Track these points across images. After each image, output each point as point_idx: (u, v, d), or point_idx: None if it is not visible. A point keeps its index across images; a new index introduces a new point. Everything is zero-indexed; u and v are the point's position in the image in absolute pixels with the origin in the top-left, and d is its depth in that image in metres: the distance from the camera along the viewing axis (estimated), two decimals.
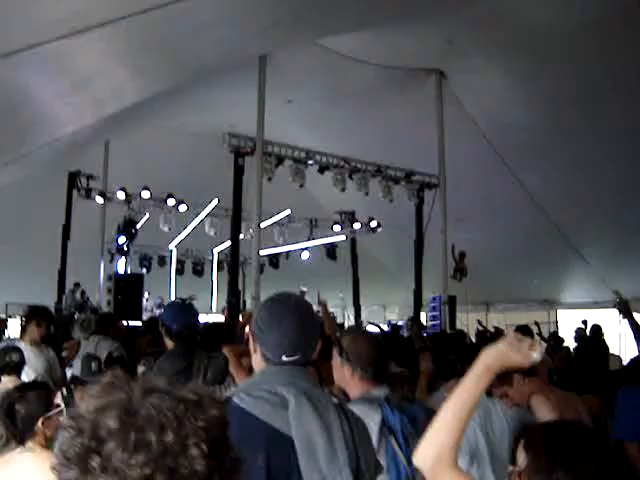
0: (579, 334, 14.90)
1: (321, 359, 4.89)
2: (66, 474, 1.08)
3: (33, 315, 7.21)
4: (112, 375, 1.21)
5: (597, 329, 13.18)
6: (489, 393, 4.26)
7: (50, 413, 3.54)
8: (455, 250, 17.79)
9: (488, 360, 2.17)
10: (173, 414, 1.10)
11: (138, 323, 16.75)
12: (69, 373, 7.09)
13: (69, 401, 4.63)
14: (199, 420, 1.12)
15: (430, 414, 3.66)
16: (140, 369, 4.97)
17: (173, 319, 4.70)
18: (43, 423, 3.49)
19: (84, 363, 5.44)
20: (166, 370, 4.28)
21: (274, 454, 2.21)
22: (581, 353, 10.68)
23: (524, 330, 11.74)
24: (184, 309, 5.09)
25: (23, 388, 4.02)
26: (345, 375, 3.53)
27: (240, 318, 6.47)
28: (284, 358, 2.43)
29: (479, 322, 16.63)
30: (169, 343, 4.71)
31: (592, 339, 12.86)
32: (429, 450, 2.13)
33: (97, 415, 1.09)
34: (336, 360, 3.59)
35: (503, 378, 4.08)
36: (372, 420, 3.26)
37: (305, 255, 24.29)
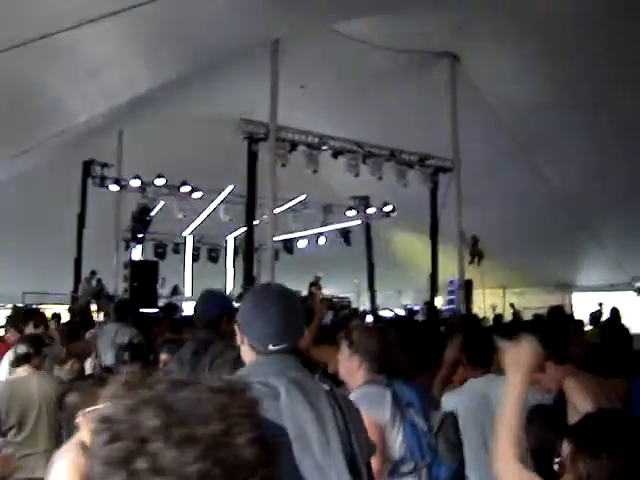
0: (595, 317, 14.88)
1: (314, 343, 4.95)
2: None
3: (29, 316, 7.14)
4: (128, 372, 1.19)
5: (616, 311, 13.09)
6: None
7: (90, 409, 3.51)
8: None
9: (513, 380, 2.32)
10: (212, 404, 1.09)
11: (154, 310, 16.86)
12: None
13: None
14: (238, 407, 1.10)
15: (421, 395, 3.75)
16: (163, 356, 4.92)
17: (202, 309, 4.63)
18: (84, 417, 3.43)
19: (117, 354, 5.40)
20: (180, 359, 4.25)
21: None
22: (603, 336, 10.59)
23: (557, 311, 11.75)
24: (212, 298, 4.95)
25: (78, 378, 4.01)
26: (353, 367, 3.64)
27: None
28: (271, 347, 2.42)
29: (493, 308, 16.61)
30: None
31: (613, 321, 12.77)
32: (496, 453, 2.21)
33: (131, 415, 1.06)
34: (344, 352, 3.69)
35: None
36: (381, 396, 3.45)
37: (322, 240, 24.25)
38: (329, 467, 2.19)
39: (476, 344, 5.32)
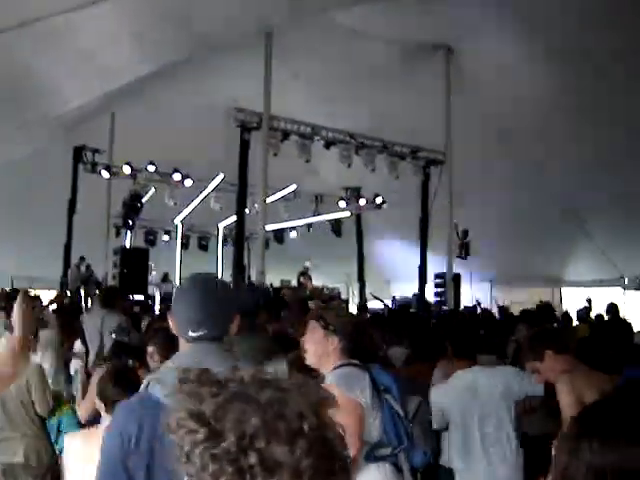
0: (583, 313, 14.93)
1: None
2: (222, 477, 1.04)
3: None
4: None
5: (614, 306, 13.13)
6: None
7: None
8: (459, 228, 17.81)
9: None
10: (306, 400, 1.11)
11: (142, 297, 16.86)
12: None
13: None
14: (323, 403, 1.13)
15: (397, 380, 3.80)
16: (149, 349, 4.87)
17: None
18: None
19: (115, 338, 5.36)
20: None
21: None
22: (600, 330, 10.62)
23: (546, 308, 11.81)
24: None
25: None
26: (327, 348, 3.66)
27: None
28: (191, 333, 2.44)
29: (478, 302, 16.64)
30: None
31: (612, 317, 12.80)
32: None
33: (228, 413, 1.07)
34: (318, 333, 3.69)
35: (535, 353, 4.16)
36: (361, 378, 3.51)
37: (312, 230, 24.24)
38: None
39: (463, 337, 5.38)
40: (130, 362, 4.79)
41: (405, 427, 3.56)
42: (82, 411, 5.24)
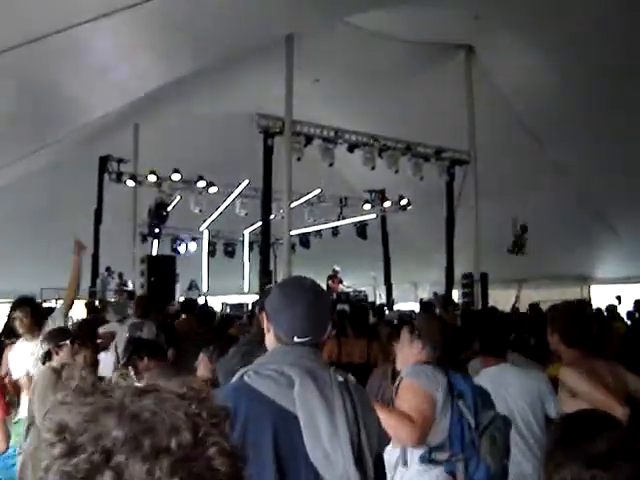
0: (611, 311, 14.78)
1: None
2: None
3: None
4: (80, 377, 1.11)
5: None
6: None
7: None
8: (517, 223, 17.73)
9: None
10: (182, 413, 1.00)
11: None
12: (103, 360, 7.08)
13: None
14: (208, 416, 1.03)
15: (477, 391, 3.74)
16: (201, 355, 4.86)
17: None
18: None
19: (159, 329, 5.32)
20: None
21: (280, 430, 2.30)
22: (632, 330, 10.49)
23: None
24: None
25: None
26: (413, 352, 3.74)
27: None
28: (295, 339, 2.50)
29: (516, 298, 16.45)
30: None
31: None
32: None
33: (91, 424, 0.96)
34: (405, 337, 3.81)
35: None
36: (439, 382, 3.53)
37: (338, 234, 24.17)
38: (336, 457, 2.25)
39: (491, 335, 5.29)
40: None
41: (472, 437, 3.50)
42: None
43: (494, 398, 4.18)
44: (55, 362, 5.18)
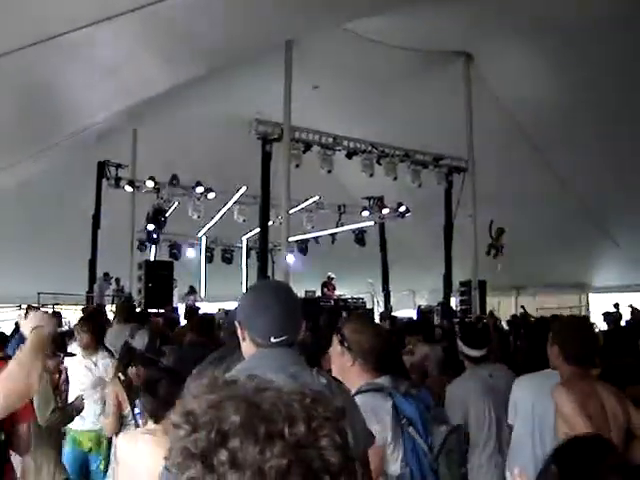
0: (614, 319, 14.78)
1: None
2: (188, 472, 1.02)
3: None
4: (211, 375, 1.19)
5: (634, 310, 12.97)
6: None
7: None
8: (493, 226, 17.71)
9: None
10: (300, 405, 1.08)
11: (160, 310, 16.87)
12: None
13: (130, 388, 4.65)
14: (324, 411, 1.09)
15: (437, 401, 3.67)
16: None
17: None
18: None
19: (150, 338, 5.31)
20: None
21: None
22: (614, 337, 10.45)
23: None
24: None
25: (165, 369, 4.11)
26: (345, 365, 3.46)
27: None
28: (272, 340, 2.51)
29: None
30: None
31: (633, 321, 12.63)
32: None
33: (215, 411, 1.05)
34: (336, 349, 3.51)
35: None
36: (383, 409, 3.27)
37: (336, 240, 24.12)
38: None
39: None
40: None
41: (430, 463, 3.33)
42: (108, 427, 5.27)
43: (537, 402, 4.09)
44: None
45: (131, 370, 4.99)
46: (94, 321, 6.62)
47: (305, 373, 2.46)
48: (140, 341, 7.44)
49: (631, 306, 15.93)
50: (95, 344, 6.23)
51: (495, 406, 4.96)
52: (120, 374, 5.10)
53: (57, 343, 5.82)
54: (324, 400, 1.13)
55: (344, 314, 14.05)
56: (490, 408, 5.05)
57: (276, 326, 2.53)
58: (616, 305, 17.77)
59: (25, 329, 2.93)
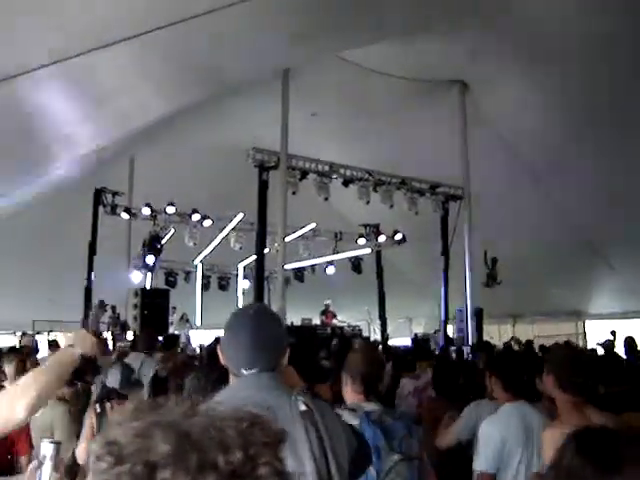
0: (607, 346, 14.70)
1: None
2: None
3: None
4: (137, 400, 1.11)
5: (630, 340, 12.88)
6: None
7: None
8: (488, 256, 17.72)
9: None
10: (235, 431, 0.99)
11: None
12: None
13: (102, 419, 4.60)
14: (262, 436, 1.02)
15: (412, 430, 3.68)
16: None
17: None
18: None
19: (123, 374, 5.28)
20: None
21: None
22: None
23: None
24: None
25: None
26: (344, 386, 3.81)
27: None
28: (244, 372, 2.48)
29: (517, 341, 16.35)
30: None
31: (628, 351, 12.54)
32: None
33: (142, 440, 0.95)
34: (343, 373, 3.85)
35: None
36: None
37: (331, 270, 24.07)
38: None
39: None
40: None
41: None
42: (81, 452, 5.21)
43: (522, 436, 4.04)
44: None
45: (108, 404, 4.99)
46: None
47: (281, 402, 2.37)
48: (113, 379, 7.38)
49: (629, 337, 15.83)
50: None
51: None
52: (97, 406, 5.09)
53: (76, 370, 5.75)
54: (262, 423, 1.05)
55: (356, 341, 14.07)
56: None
57: (246, 359, 2.49)
58: (613, 332, 17.72)
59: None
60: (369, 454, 2.79)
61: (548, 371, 3.95)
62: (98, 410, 4.96)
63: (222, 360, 2.59)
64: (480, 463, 4.19)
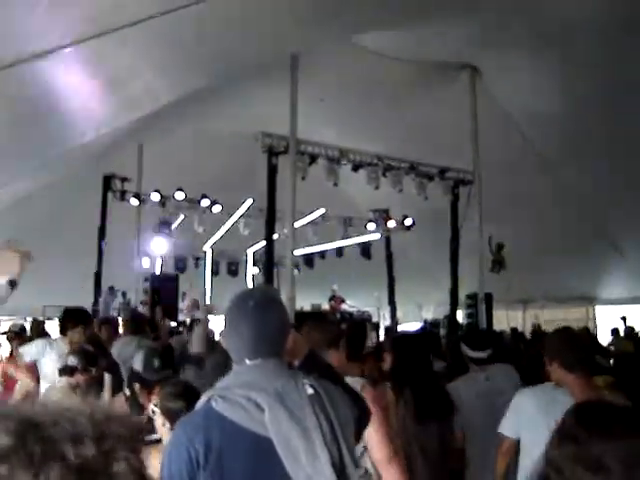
0: (626, 332, 14.72)
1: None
2: None
3: (71, 318, 7.00)
4: None
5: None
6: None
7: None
8: (492, 242, 17.65)
9: None
10: (90, 422, 0.91)
11: (174, 324, 16.83)
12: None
13: (134, 404, 4.58)
14: (119, 429, 0.93)
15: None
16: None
17: None
18: None
19: (147, 358, 5.24)
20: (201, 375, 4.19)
21: (257, 457, 2.26)
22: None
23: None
24: None
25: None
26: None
27: None
28: (247, 362, 2.45)
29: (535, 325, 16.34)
30: None
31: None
32: None
33: None
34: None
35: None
36: None
37: (342, 253, 23.98)
38: (319, 476, 2.21)
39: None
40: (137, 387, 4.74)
41: None
42: None
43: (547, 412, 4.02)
44: None
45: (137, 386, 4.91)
46: None
47: (289, 388, 2.36)
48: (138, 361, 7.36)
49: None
50: None
51: (489, 411, 4.86)
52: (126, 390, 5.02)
53: (88, 356, 5.73)
54: (121, 418, 0.97)
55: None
56: (483, 414, 4.99)
57: (248, 350, 2.46)
58: (623, 318, 17.70)
59: None
60: (369, 416, 2.79)
61: (552, 358, 3.97)
62: (128, 393, 4.91)
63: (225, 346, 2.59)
64: (504, 427, 4.28)
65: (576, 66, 14.65)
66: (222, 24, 10.65)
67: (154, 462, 2.26)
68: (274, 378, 2.39)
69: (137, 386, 4.70)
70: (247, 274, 25.37)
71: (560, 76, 15.47)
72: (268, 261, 15.79)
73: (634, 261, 20.76)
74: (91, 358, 5.67)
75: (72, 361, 5.51)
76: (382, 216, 22.50)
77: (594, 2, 12.51)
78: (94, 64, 10.12)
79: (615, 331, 15.60)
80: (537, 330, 16.58)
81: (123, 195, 18.64)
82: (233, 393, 2.35)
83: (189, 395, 3.66)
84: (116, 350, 7.48)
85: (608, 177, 17.34)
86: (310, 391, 2.38)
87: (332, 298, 20.45)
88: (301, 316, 17.09)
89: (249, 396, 2.31)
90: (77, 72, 10.07)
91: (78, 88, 10.83)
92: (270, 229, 15.58)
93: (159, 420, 3.75)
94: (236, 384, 2.40)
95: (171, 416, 3.63)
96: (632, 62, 13.86)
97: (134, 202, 18.89)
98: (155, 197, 18.91)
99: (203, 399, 2.42)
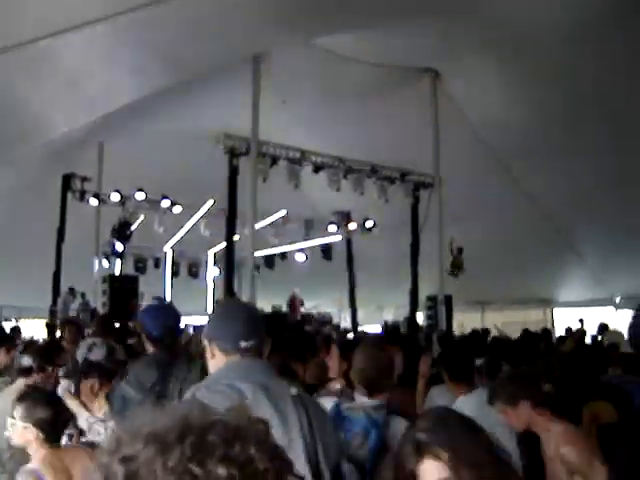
0: (575, 333, 14.88)
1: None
2: None
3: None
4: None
5: (604, 327, 13.07)
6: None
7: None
8: (453, 245, 17.79)
9: None
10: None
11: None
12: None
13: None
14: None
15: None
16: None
17: (153, 324, 4.25)
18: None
19: (108, 349, 5.15)
20: (143, 382, 4.05)
21: None
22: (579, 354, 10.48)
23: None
24: (165, 312, 4.65)
25: None
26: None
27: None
28: (242, 344, 2.57)
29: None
30: (150, 349, 4.33)
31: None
32: None
33: (162, 456, 0.96)
34: None
35: (512, 399, 3.87)
36: None
37: (301, 257, 23.96)
38: None
39: (456, 361, 5.19)
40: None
41: None
42: None
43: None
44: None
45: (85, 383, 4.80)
46: None
47: (274, 383, 2.48)
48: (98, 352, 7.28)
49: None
50: None
51: None
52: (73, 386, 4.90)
53: (41, 354, 5.61)
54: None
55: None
56: None
57: (244, 331, 2.59)
58: (581, 320, 17.90)
59: None
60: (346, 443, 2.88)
61: (518, 400, 3.86)
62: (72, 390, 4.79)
63: (209, 351, 2.66)
64: None
65: (539, 72, 14.81)
66: (185, 25, 10.61)
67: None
68: (261, 374, 2.52)
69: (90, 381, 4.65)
70: (208, 275, 25.24)
71: (520, 82, 15.66)
72: (229, 262, 15.74)
73: (592, 264, 21.06)
74: (45, 356, 5.57)
75: (27, 361, 5.41)
76: (343, 218, 22.52)
77: (558, 11, 12.67)
78: (53, 63, 10.01)
79: (604, 327, 15.43)
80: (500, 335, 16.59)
81: (83, 195, 18.41)
82: (219, 383, 2.44)
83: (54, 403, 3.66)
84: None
85: (569, 182, 17.54)
86: (294, 392, 2.48)
87: (291, 302, 20.41)
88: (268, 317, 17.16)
89: (233, 385, 2.39)
90: (35, 71, 9.96)
91: (36, 87, 10.71)
92: (230, 230, 15.54)
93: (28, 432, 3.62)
94: (224, 376, 2.50)
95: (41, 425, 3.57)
96: (596, 70, 14.09)
97: (93, 202, 18.67)
98: (115, 197, 18.73)
99: (191, 391, 2.50)
